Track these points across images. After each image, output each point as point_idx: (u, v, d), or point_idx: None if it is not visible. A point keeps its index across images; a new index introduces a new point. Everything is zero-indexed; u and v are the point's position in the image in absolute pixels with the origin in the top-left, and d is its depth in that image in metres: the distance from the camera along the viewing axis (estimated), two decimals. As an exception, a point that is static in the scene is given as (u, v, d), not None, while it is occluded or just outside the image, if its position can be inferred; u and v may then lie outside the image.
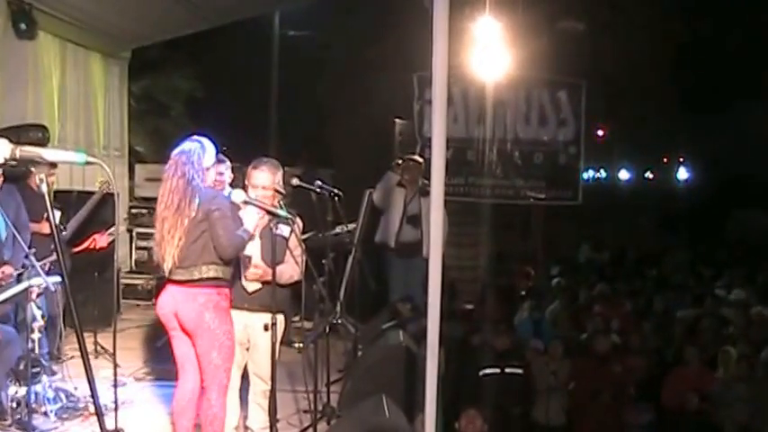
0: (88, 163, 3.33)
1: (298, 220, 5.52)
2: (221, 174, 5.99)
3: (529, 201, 12.68)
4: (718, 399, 9.00)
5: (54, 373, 7.11)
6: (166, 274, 5.04)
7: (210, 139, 5.14)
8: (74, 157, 3.32)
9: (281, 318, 5.35)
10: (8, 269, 6.42)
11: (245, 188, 5.33)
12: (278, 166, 5.47)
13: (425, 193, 8.72)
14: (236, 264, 5.22)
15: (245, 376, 5.58)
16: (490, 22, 9.59)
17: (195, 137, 5.12)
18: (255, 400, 5.60)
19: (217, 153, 5.20)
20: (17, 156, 3.16)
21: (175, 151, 5.02)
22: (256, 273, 5.30)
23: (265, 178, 5.34)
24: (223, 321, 5.00)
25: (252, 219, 5.10)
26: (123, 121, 11.81)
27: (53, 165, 6.11)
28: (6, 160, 3.15)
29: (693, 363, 9.42)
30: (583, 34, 15.94)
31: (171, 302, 5.05)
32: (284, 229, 5.40)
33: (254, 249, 5.33)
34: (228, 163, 6.09)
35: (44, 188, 3.34)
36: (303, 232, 5.65)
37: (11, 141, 3.19)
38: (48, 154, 3.22)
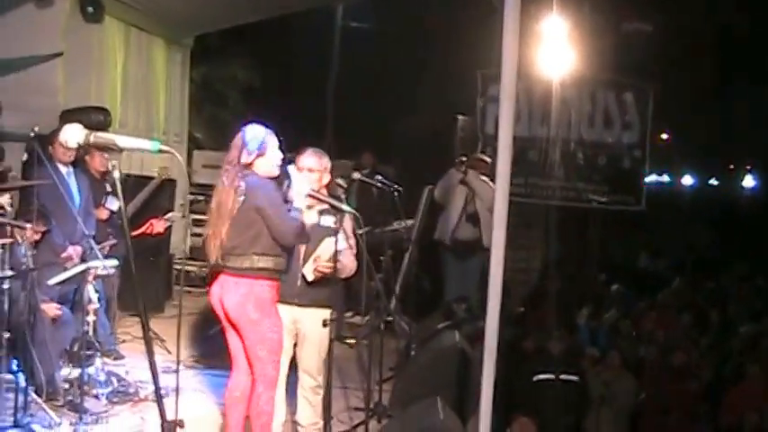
0: (161, 151, 3.23)
1: (347, 208, 5.49)
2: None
3: (590, 204, 12.44)
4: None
5: (121, 357, 7.15)
6: (212, 260, 5.00)
7: (269, 128, 5.07)
8: (148, 145, 3.22)
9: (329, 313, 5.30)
10: (77, 250, 6.45)
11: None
12: (324, 153, 5.44)
13: (486, 192, 8.64)
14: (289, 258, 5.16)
15: (293, 370, 5.51)
16: (557, 21, 9.43)
17: (252, 125, 5.05)
18: (304, 395, 5.52)
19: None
20: (91, 141, 3.10)
21: (234, 139, 4.99)
22: (326, 268, 5.22)
23: (312, 161, 5.32)
24: (267, 314, 4.91)
25: (301, 199, 5.02)
26: (183, 108, 11.84)
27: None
28: (80, 145, 3.09)
29: (754, 380, 9.12)
30: (650, 35, 15.65)
31: (218, 291, 5.02)
32: (330, 221, 5.37)
33: (325, 246, 5.27)
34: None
35: (116, 174, 3.26)
36: (359, 227, 5.55)
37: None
38: (122, 141, 3.14)
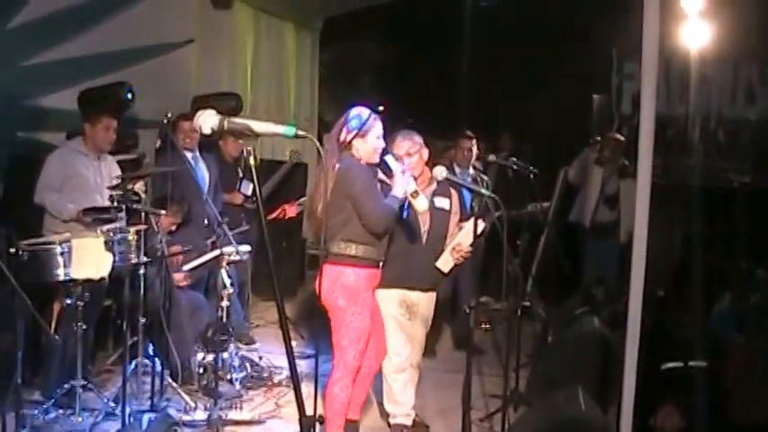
0: (297, 136, 3.11)
1: (453, 192, 5.49)
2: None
3: (733, 184, 11.88)
4: None
5: (252, 342, 7.21)
6: (314, 238, 4.95)
7: (372, 109, 4.89)
8: (283, 129, 3.09)
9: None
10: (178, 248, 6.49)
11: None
12: (413, 132, 5.29)
13: (624, 173, 8.33)
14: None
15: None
16: (696, -8, 8.98)
17: (357, 106, 4.90)
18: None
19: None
20: (225, 127, 3.00)
21: (339, 119, 4.88)
22: (469, 254, 5.23)
23: (407, 145, 5.19)
24: (352, 302, 4.77)
25: (401, 184, 4.75)
26: (314, 91, 11.91)
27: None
28: (214, 131, 3.01)
29: None
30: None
31: (318, 277, 4.91)
32: (443, 202, 5.38)
33: (464, 234, 5.28)
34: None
35: (251, 161, 3.17)
36: (497, 210, 5.38)
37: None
38: (257, 126, 3.03)
